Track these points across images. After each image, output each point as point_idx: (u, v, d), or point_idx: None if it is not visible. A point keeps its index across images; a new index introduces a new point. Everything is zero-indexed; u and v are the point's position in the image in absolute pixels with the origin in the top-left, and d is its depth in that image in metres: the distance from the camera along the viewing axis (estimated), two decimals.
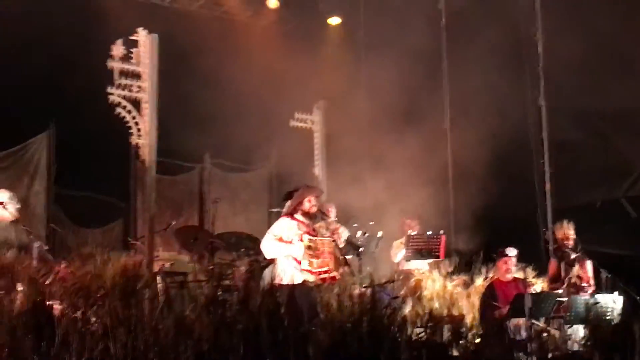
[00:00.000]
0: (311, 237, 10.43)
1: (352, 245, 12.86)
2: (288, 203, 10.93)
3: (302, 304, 8.56)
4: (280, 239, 10.38)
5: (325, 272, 10.27)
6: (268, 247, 10.44)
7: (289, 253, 10.30)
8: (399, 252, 13.98)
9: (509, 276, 11.88)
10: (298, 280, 10.00)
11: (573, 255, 12.22)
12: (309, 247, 10.31)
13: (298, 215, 10.65)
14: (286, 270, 10.18)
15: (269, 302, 8.10)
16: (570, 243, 12.25)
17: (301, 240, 10.34)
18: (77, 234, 15.14)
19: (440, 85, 17.78)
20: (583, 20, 15.32)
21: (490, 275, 12.32)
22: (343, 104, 18.06)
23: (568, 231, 12.33)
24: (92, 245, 7.92)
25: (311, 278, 10.07)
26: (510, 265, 11.91)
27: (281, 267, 10.24)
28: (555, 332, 10.49)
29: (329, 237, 10.99)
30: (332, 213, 13.97)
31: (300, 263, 10.26)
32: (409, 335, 8.71)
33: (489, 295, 11.48)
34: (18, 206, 10.69)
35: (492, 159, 15.67)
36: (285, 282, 9.96)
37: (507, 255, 11.91)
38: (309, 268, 10.20)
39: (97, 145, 15.01)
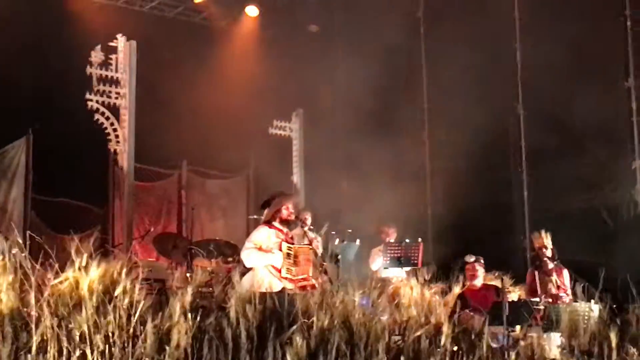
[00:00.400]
0: (290, 245, 10.43)
1: (329, 253, 12.84)
2: (266, 211, 10.92)
3: (281, 310, 8.55)
4: (260, 248, 10.38)
5: (305, 279, 10.27)
6: (248, 256, 10.42)
7: (269, 262, 10.30)
8: (377, 260, 14.00)
9: (477, 283, 11.94)
10: (277, 288, 9.98)
11: (550, 265, 12.27)
12: (287, 255, 10.32)
13: (276, 223, 10.64)
14: (265, 278, 10.16)
15: (247, 309, 8.10)
16: (548, 252, 12.31)
17: (280, 248, 10.35)
18: (54, 240, 15.05)
19: (418, 93, 17.82)
20: (560, 31, 15.41)
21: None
22: (321, 112, 18.08)
23: (545, 240, 12.39)
24: (69, 251, 7.85)
25: (290, 286, 10.07)
26: (472, 272, 11.98)
27: (260, 275, 10.23)
28: (533, 340, 10.50)
29: (306, 244, 10.99)
30: (308, 221, 13.97)
31: (280, 271, 10.27)
32: (387, 342, 8.72)
33: (458, 304, 11.49)
34: None
35: (471, 168, 15.73)
36: (263, 289, 9.94)
37: (466, 262, 12.02)
38: (289, 276, 10.20)
39: (75, 152, 14.95)
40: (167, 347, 7.47)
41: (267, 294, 9.34)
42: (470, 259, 12.02)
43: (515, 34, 16.61)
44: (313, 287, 10.23)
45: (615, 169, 15.44)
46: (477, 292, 11.74)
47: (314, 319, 8.40)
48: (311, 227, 13.52)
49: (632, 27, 15.33)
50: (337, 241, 13.46)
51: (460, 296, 11.75)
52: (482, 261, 12.12)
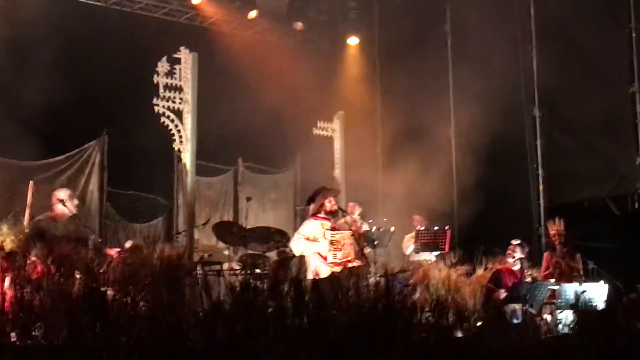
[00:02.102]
0: (333, 233, 10.46)
1: (367, 239, 12.82)
2: (311, 206, 10.95)
3: (325, 291, 8.57)
4: (308, 238, 10.42)
5: (348, 261, 10.32)
6: (297, 245, 10.46)
7: (315, 250, 10.33)
8: (409, 245, 13.98)
9: (513, 264, 11.76)
10: (324, 273, 9.99)
11: (564, 249, 12.17)
12: (331, 242, 10.34)
13: (321, 215, 10.67)
14: (311, 263, 10.18)
15: (295, 289, 8.11)
16: (562, 238, 12.21)
17: (324, 236, 10.38)
18: (126, 228, 15.17)
19: (445, 97, 17.73)
20: (573, 41, 15.32)
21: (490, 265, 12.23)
22: (360, 114, 18.06)
23: (559, 227, 12.30)
24: (139, 238, 7.90)
25: (337, 269, 10.10)
26: (510, 252, 11.82)
27: (309, 261, 10.25)
28: (548, 317, 10.44)
29: (348, 230, 11.02)
30: (357, 211, 14.06)
31: (325, 258, 10.30)
32: (419, 319, 8.70)
33: (491, 280, 11.42)
34: (76, 202, 10.71)
35: (493, 164, 15.67)
36: (312, 274, 9.97)
37: (510, 243, 11.87)
38: (335, 260, 10.23)
39: (144, 150, 15.04)
40: (224, 322, 7.50)
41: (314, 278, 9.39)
42: (515, 242, 11.87)
43: (532, 45, 16.49)
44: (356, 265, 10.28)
45: (621, 165, 15.31)
46: (511, 273, 11.67)
47: (354, 297, 8.41)
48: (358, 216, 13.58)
49: (636, 38, 15.17)
50: (374, 228, 13.43)
51: (496, 271, 11.65)
52: (525, 249, 11.91)
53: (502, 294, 10.95)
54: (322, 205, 10.76)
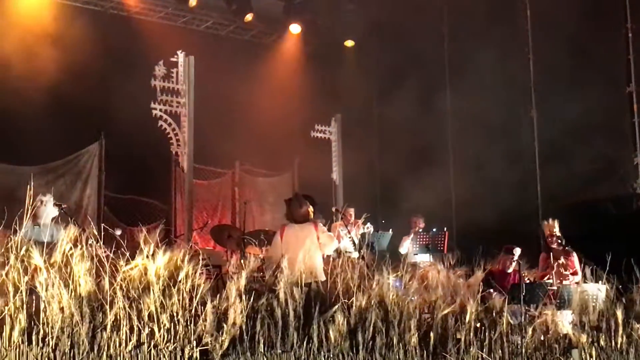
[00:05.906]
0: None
1: (365, 241, 12.83)
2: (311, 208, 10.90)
3: (324, 292, 8.55)
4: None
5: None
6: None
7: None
8: (404, 244, 14.06)
9: (508, 269, 11.83)
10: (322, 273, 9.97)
11: (559, 249, 12.18)
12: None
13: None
14: (318, 264, 10.14)
15: (294, 291, 8.10)
16: (557, 238, 12.22)
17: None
18: (125, 232, 15.14)
19: (443, 99, 17.75)
20: (569, 42, 15.33)
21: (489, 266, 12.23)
22: (358, 117, 18.08)
23: (553, 227, 12.31)
24: (138, 241, 7.88)
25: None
26: (510, 259, 11.84)
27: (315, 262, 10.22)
28: (547, 317, 10.42)
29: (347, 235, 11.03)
30: (352, 216, 14.10)
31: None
32: (418, 320, 8.70)
33: (484, 282, 11.42)
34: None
35: (490, 165, 15.67)
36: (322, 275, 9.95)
37: (513, 253, 11.81)
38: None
39: (142, 154, 15.05)
40: (224, 325, 7.50)
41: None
42: (516, 251, 11.84)
43: (529, 46, 16.50)
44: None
45: (619, 165, 15.32)
46: (504, 274, 11.68)
47: (354, 299, 8.41)
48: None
49: (633, 39, 15.19)
50: (372, 230, 13.43)
51: (489, 273, 11.66)
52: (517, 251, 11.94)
53: (496, 295, 10.93)
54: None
